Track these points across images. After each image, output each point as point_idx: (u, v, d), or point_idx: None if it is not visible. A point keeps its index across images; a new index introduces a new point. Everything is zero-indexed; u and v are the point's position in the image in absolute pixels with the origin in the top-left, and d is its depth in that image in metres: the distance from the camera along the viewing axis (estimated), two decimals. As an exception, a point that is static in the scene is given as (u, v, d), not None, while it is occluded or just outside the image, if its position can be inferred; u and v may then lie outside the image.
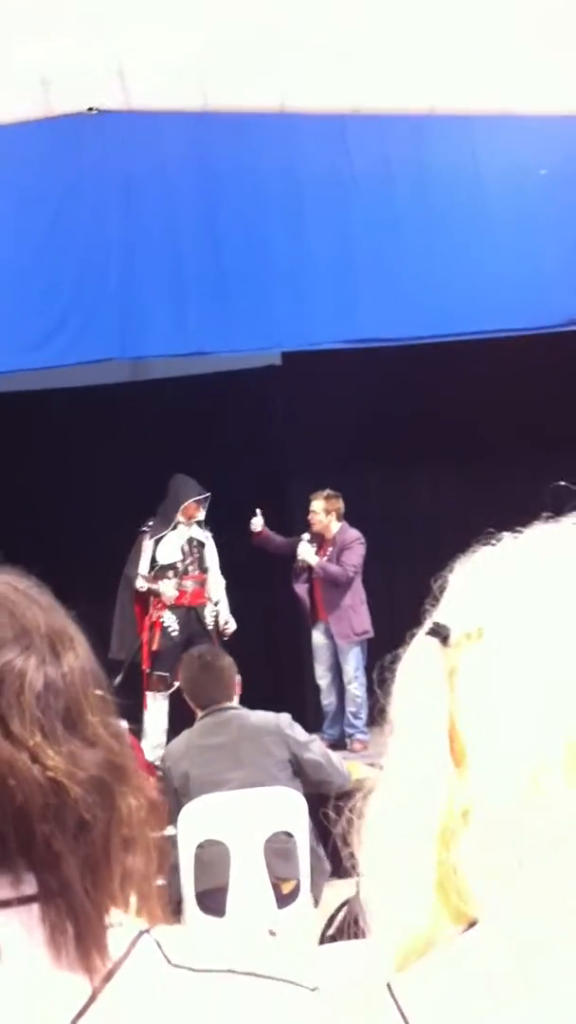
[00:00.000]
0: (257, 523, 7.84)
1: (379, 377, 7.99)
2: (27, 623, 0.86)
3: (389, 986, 0.74)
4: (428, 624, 0.77)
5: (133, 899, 0.85)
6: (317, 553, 7.70)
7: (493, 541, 0.80)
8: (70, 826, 0.79)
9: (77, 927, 0.78)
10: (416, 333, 7.40)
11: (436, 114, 7.49)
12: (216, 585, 7.74)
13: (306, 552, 7.63)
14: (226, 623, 7.63)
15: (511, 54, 6.89)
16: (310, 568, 7.72)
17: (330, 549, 7.70)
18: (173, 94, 7.27)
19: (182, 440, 8.58)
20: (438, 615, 0.77)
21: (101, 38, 6.67)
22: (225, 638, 7.51)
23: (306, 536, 7.69)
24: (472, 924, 0.73)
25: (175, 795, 3.95)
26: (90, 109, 7.35)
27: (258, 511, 7.85)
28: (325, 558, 7.65)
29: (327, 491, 7.80)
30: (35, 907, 0.79)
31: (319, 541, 7.75)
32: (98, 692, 0.87)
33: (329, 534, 7.73)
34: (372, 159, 7.48)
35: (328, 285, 7.30)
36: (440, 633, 0.75)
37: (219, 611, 7.70)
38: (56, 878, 0.78)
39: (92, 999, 0.77)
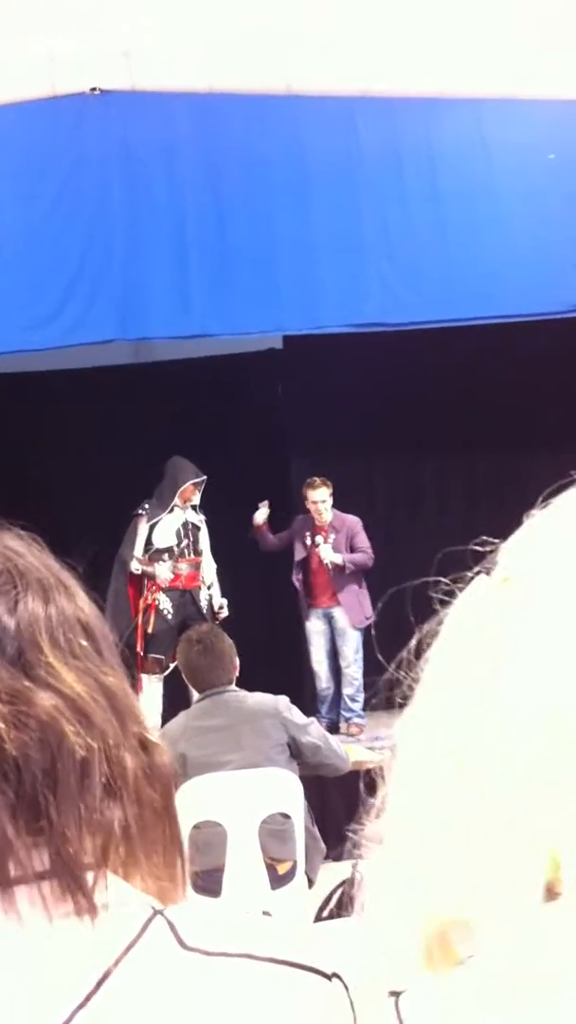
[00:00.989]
0: (261, 516, 7.81)
1: (380, 361, 7.97)
2: None
3: (396, 1003, 0.71)
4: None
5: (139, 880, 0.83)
6: (313, 541, 7.70)
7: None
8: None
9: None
10: (422, 318, 7.38)
11: (445, 97, 7.47)
12: (208, 568, 7.73)
13: (329, 554, 7.58)
14: (220, 608, 7.63)
15: (520, 39, 6.86)
16: (305, 558, 7.72)
17: (332, 536, 7.68)
18: (179, 77, 7.24)
19: (183, 423, 8.58)
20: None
21: (108, 20, 6.64)
22: (217, 621, 7.51)
23: (320, 539, 7.64)
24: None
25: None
26: (93, 89, 7.32)
27: (265, 504, 7.81)
28: (331, 545, 7.62)
29: (320, 479, 7.73)
30: None
31: (313, 530, 7.73)
32: (82, 642, 0.85)
33: (328, 520, 7.69)
34: (380, 141, 7.46)
35: (334, 268, 7.28)
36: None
37: (212, 595, 7.70)
38: None
39: (101, 982, 0.75)
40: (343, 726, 7.61)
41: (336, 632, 7.71)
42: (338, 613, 7.68)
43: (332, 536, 7.65)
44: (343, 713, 7.69)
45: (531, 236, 7.33)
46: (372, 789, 0.75)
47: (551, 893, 0.64)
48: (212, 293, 7.22)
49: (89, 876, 0.78)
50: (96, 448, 8.88)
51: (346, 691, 7.65)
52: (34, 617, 0.83)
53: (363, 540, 7.68)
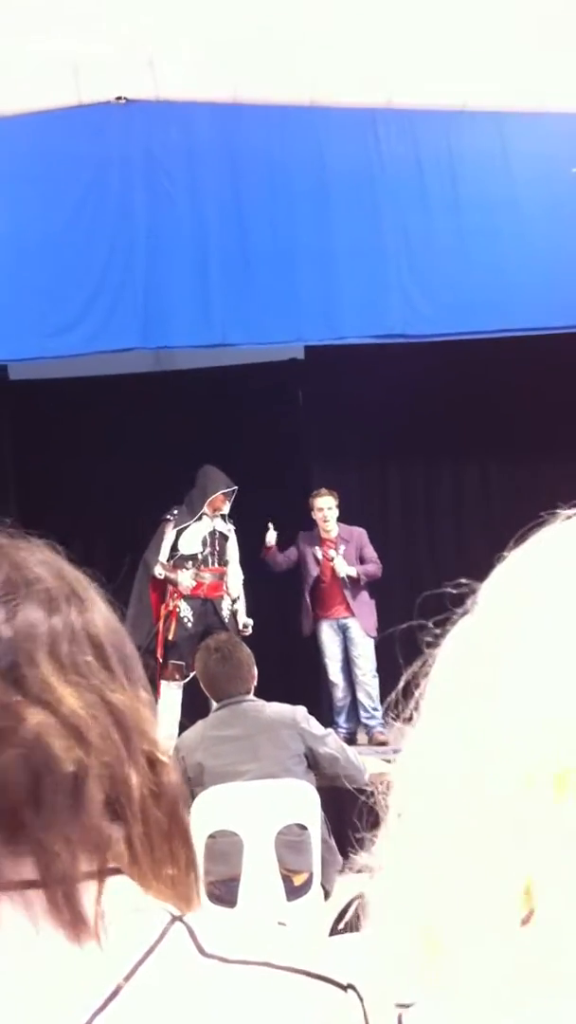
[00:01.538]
0: (271, 538, 7.82)
1: (400, 371, 7.96)
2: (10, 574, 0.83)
3: (399, 1019, 0.72)
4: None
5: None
6: (324, 554, 7.70)
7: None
8: None
9: None
10: (443, 330, 7.38)
11: (467, 110, 7.47)
12: (235, 580, 7.72)
13: (344, 568, 7.60)
14: (245, 626, 7.59)
15: (542, 52, 6.85)
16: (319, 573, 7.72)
17: (342, 547, 7.70)
18: (202, 87, 7.27)
19: (203, 431, 8.60)
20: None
21: (132, 29, 6.67)
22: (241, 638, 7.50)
23: (334, 553, 7.65)
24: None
25: (188, 784, 3.96)
26: (119, 98, 7.36)
27: (271, 527, 7.81)
28: (342, 557, 7.64)
29: (325, 488, 7.78)
30: None
31: (322, 544, 7.73)
32: (87, 657, 0.83)
33: (332, 529, 7.70)
34: (401, 152, 7.48)
35: (354, 279, 7.29)
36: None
37: (237, 609, 7.68)
38: None
39: (120, 986, 0.76)
40: (363, 736, 7.60)
41: (350, 642, 7.71)
42: (352, 623, 7.68)
43: (343, 547, 7.69)
44: (364, 723, 7.68)
45: (552, 249, 7.32)
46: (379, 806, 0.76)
47: (527, 916, 0.65)
48: (233, 303, 7.24)
49: (83, 889, 0.77)
50: (115, 455, 8.91)
51: (364, 700, 7.64)
52: (32, 628, 0.81)
53: (371, 551, 7.72)
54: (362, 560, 7.70)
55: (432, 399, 8.44)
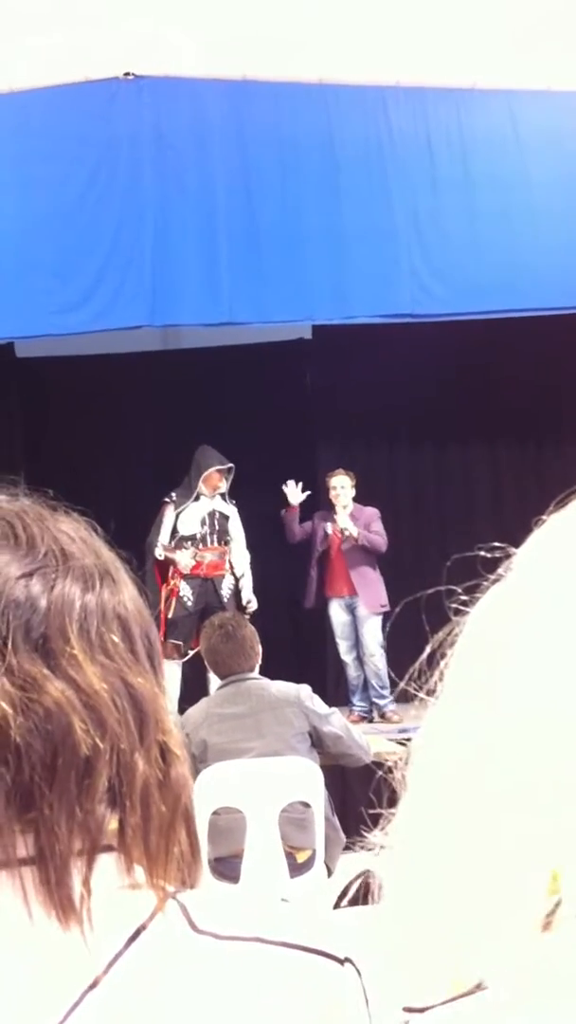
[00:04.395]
0: (296, 495, 7.78)
1: (408, 351, 7.95)
2: (36, 541, 0.83)
3: None
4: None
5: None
6: (334, 530, 7.70)
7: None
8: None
9: None
10: (452, 310, 7.35)
11: (477, 88, 7.43)
12: (241, 559, 7.72)
13: (347, 522, 7.58)
14: (248, 602, 7.61)
15: (553, 30, 6.79)
16: (326, 550, 7.72)
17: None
18: (211, 66, 7.22)
19: (210, 410, 8.59)
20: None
21: (141, 6, 6.62)
22: (246, 615, 7.51)
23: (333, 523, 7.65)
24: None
25: (192, 761, 3.98)
26: (127, 74, 7.32)
27: (293, 484, 7.76)
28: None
29: (342, 469, 7.77)
30: None
31: (331, 519, 7.72)
32: (115, 639, 0.82)
33: (349, 509, 7.70)
34: (412, 131, 7.43)
35: (364, 258, 7.25)
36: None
37: (243, 587, 7.69)
38: None
39: (112, 963, 0.75)
40: (384, 714, 7.61)
41: (358, 621, 7.71)
42: (359, 602, 7.68)
43: (337, 527, 7.66)
44: (377, 701, 7.69)
45: (563, 228, 7.28)
46: (389, 783, 0.73)
47: (551, 912, 0.62)
48: (242, 281, 7.21)
49: (74, 870, 0.76)
50: (122, 434, 8.91)
51: (373, 680, 7.64)
52: (68, 602, 0.80)
53: (379, 527, 7.68)
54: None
55: (440, 379, 8.42)
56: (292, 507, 7.77)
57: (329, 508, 7.76)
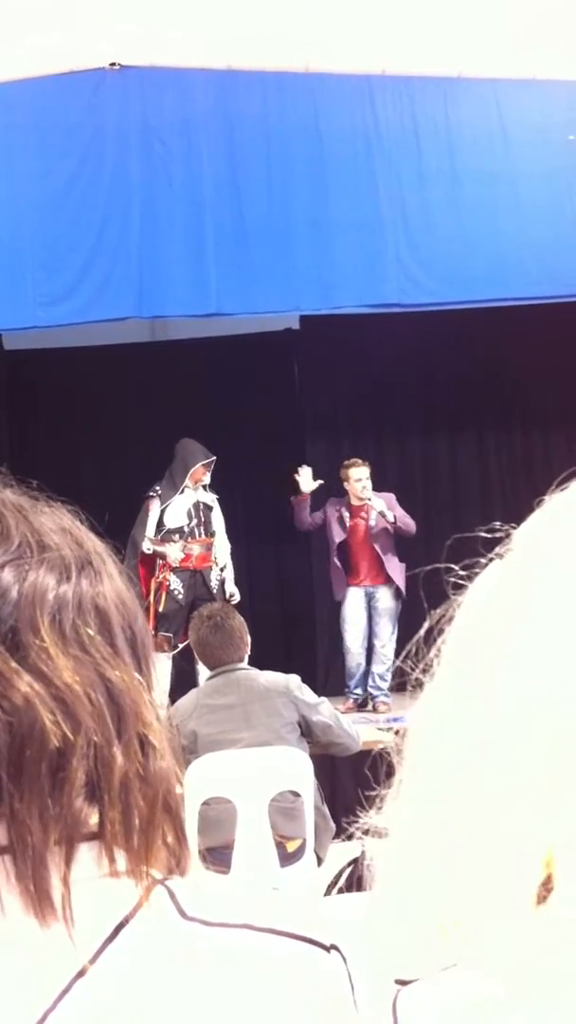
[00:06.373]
0: (309, 483, 7.65)
1: (396, 341, 7.95)
2: (11, 532, 0.81)
3: (395, 1000, 0.70)
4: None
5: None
6: (353, 519, 7.64)
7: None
8: None
9: None
10: (439, 299, 7.35)
11: (463, 77, 7.43)
12: (223, 549, 7.71)
13: (380, 505, 7.48)
14: (231, 595, 7.58)
15: (539, 20, 6.79)
16: (345, 539, 7.66)
17: (374, 513, 7.57)
18: (197, 55, 7.20)
19: (198, 402, 8.59)
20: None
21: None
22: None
23: (372, 495, 7.56)
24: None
25: (182, 752, 3.97)
26: (113, 64, 7.29)
27: (306, 470, 7.67)
28: (375, 523, 7.59)
29: (358, 459, 7.68)
30: None
31: (351, 510, 7.67)
32: (90, 631, 0.80)
33: (368, 497, 7.60)
34: (398, 120, 7.42)
35: (350, 248, 7.25)
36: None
37: (225, 578, 7.68)
38: None
39: (100, 951, 0.75)
40: (374, 703, 7.61)
41: (375, 611, 7.66)
42: (381, 592, 7.63)
43: (374, 513, 7.58)
44: (371, 691, 7.68)
45: (549, 217, 7.29)
46: (378, 771, 0.74)
47: (544, 892, 0.62)
48: (229, 272, 7.20)
49: (52, 864, 0.76)
50: (109, 425, 8.90)
51: (377, 669, 7.61)
52: (40, 594, 0.79)
53: (401, 511, 7.59)
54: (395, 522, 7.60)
55: (427, 369, 8.44)
56: (303, 495, 7.68)
57: (345, 496, 7.68)
